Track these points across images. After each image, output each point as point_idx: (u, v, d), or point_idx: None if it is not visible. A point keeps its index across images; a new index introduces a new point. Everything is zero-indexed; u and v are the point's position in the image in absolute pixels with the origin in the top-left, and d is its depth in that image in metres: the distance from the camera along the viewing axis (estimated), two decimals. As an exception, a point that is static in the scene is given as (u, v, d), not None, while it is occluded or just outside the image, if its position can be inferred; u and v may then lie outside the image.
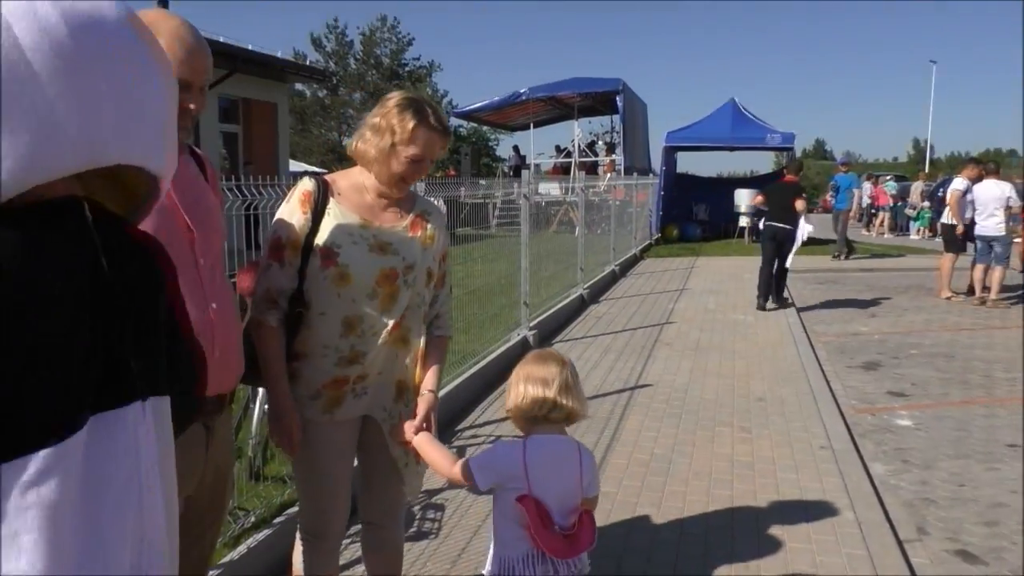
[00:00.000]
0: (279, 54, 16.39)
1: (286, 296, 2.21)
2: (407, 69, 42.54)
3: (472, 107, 22.76)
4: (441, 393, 3.52)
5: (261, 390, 3.69)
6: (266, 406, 3.68)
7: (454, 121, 27.31)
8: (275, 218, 2.28)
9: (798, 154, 20.56)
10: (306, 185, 2.27)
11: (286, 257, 2.21)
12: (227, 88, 14.09)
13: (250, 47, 14.93)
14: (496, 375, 5.87)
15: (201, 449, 1.86)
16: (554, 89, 21.25)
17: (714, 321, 8.84)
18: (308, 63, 26.28)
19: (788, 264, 9.65)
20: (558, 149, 25.36)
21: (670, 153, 19.58)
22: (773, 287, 9.67)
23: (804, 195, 9.65)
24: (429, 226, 2.39)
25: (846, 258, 15.67)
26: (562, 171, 22.52)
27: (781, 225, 9.39)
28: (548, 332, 7.91)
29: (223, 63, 13.21)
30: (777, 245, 9.47)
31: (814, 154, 62.37)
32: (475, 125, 32.46)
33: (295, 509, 3.39)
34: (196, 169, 1.95)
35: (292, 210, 2.24)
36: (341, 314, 2.21)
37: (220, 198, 2.11)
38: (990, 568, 3.41)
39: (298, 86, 33.08)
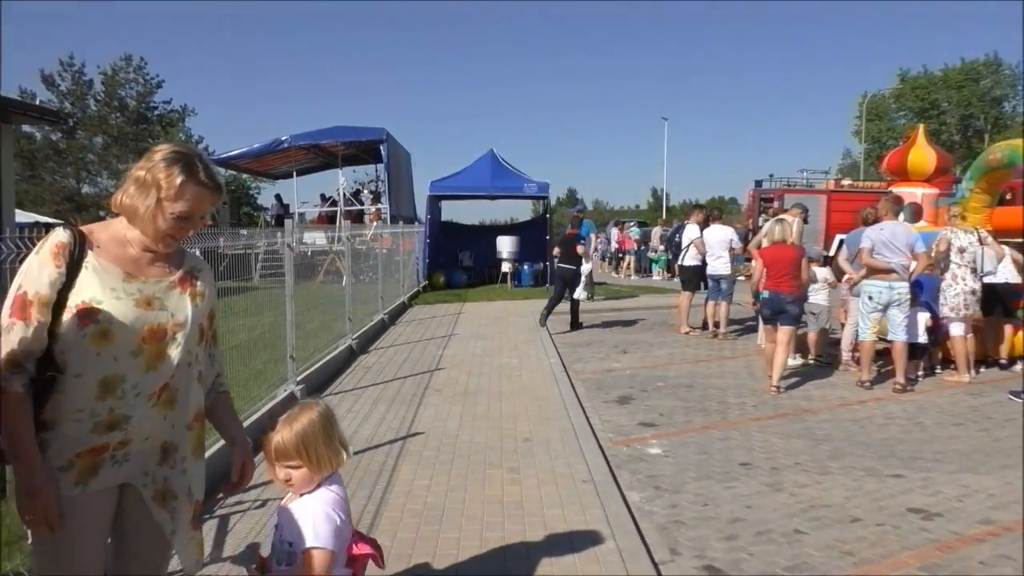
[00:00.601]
0: (0, 92, 14.74)
1: (33, 358, 2.00)
2: (156, 113, 39.98)
3: (231, 154, 21.81)
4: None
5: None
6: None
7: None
8: (21, 272, 2.07)
9: (552, 202, 21.91)
10: (60, 236, 2.08)
11: (33, 315, 2.00)
12: (-66, 128, 12.44)
13: (-37, 83, 13.33)
14: (262, 435, 5.57)
15: None
16: (317, 137, 20.99)
17: (482, 365, 9.09)
18: (38, 102, 23.89)
19: (578, 296, 12.30)
20: (323, 198, 25.03)
21: (434, 202, 20.09)
22: (571, 315, 12.21)
23: (583, 243, 12.86)
24: (199, 283, 2.31)
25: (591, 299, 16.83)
26: (327, 220, 22.24)
27: (568, 267, 12.06)
28: (316, 386, 7.70)
29: (-71, 100, 11.67)
30: (565, 283, 12.09)
31: (567, 202, 67.13)
32: (234, 173, 31.11)
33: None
34: None
35: (43, 263, 2.04)
36: (99, 374, 2.04)
37: None
38: (731, 578, 3.78)
39: (26, 128, 29.87)
